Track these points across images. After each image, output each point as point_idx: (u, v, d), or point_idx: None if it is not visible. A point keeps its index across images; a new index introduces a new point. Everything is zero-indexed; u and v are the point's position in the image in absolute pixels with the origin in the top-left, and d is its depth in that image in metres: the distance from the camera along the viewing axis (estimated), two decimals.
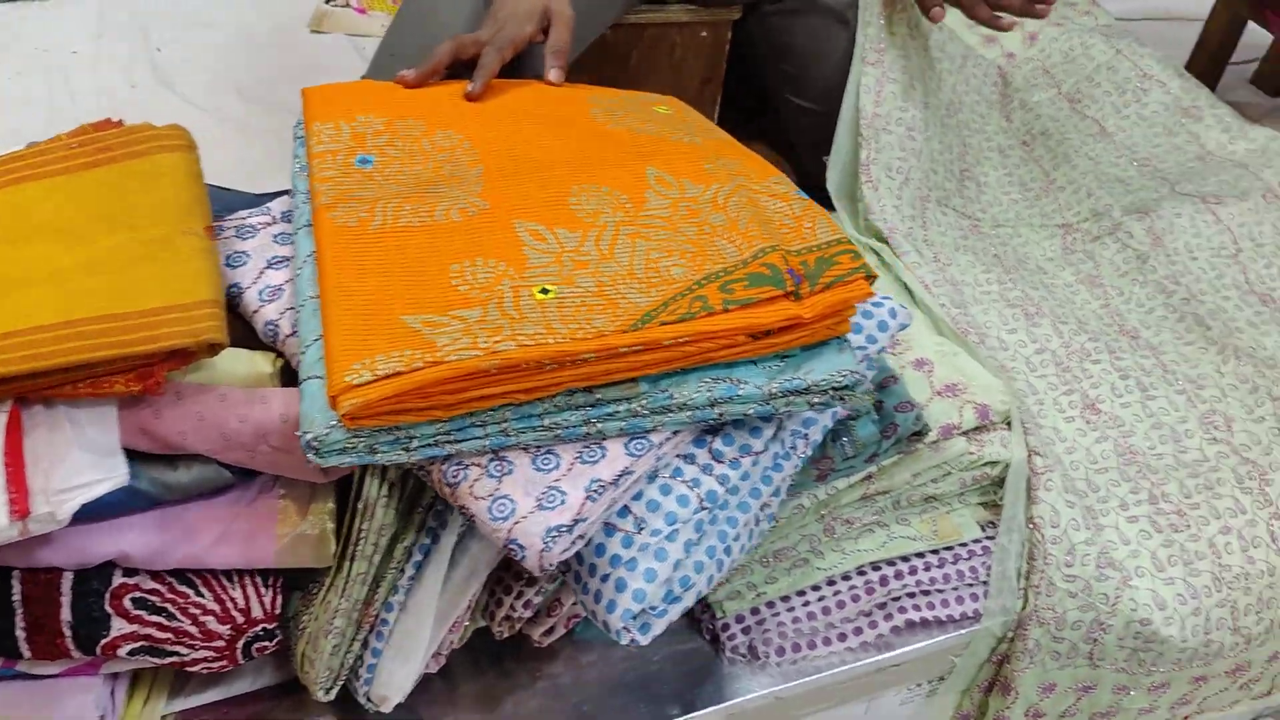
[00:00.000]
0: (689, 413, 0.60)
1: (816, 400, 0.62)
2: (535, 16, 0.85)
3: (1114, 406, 0.98)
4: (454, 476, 0.59)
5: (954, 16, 1.46)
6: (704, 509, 0.61)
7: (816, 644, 0.81)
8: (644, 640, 0.59)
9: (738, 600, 0.81)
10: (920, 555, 0.84)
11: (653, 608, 0.60)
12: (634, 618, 0.59)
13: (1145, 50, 1.36)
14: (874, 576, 0.83)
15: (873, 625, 0.82)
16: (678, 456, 0.63)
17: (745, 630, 0.80)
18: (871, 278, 0.63)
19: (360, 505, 0.64)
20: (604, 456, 0.59)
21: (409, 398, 0.56)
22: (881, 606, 0.83)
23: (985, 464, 0.85)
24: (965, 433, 0.85)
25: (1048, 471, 0.86)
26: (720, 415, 0.61)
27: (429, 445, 0.58)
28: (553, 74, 0.83)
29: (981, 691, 0.90)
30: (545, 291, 0.62)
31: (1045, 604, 0.84)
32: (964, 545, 0.85)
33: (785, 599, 0.81)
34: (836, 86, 1.10)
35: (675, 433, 0.62)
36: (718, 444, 0.63)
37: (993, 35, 1.44)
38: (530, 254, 0.65)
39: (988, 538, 0.86)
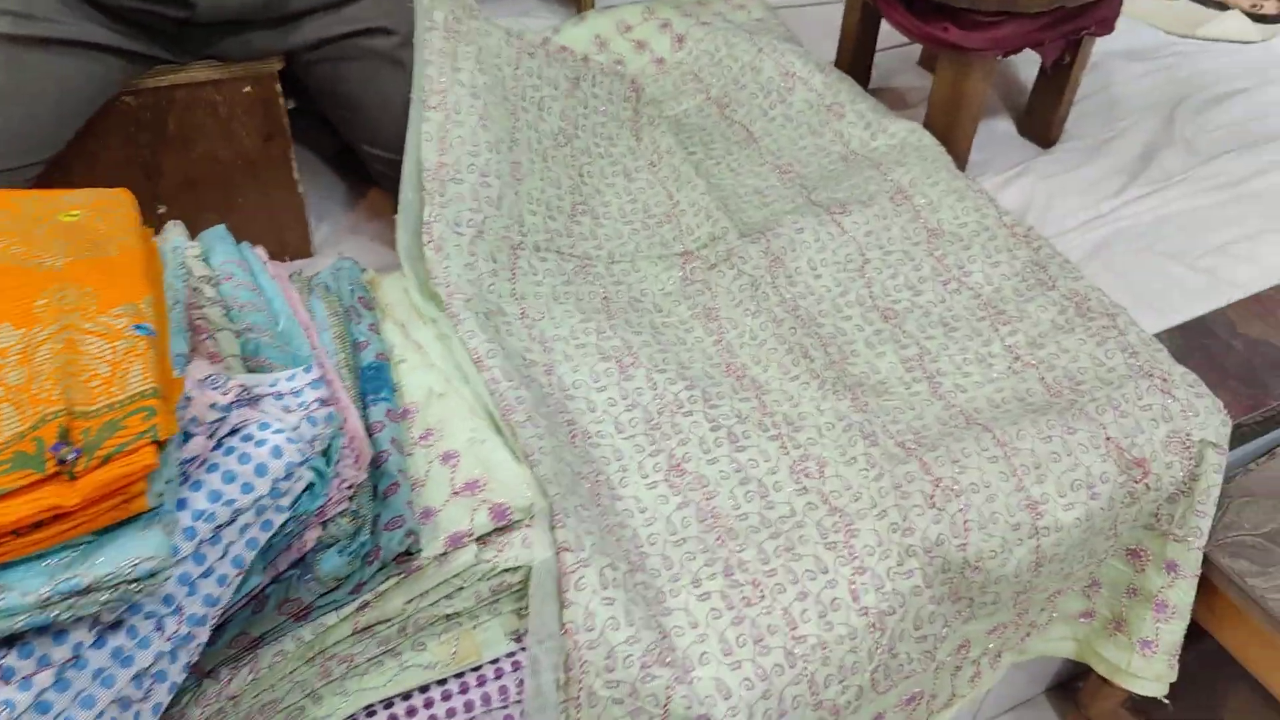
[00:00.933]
0: None
1: (107, 599, 0.52)
2: None
3: (700, 465, 0.90)
4: None
5: (579, 33, 1.37)
6: None
7: None
8: None
9: None
10: (442, 683, 0.75)
11: None
12: None
13: (788, 46, 1.28)
14: (383, 716, 0.74)
15: None
16: None
17: None
18: (159, 443, 0.53)
19: None
20: None
21: None
22: None
23: (504, 571, 0.76)
24: (480, 538, 0.76)
25: (580, 568, 0.77)
26: None
27: None
28: None
29: None
30: None
31: (589, 715, 0.76)
32: (493, 663, 0.76)
33: None
34: None
35: None
36: (10, 659, 0.53)
37: (643, 40, 1.36)
38: None
39: (522, 648, 0.77)
